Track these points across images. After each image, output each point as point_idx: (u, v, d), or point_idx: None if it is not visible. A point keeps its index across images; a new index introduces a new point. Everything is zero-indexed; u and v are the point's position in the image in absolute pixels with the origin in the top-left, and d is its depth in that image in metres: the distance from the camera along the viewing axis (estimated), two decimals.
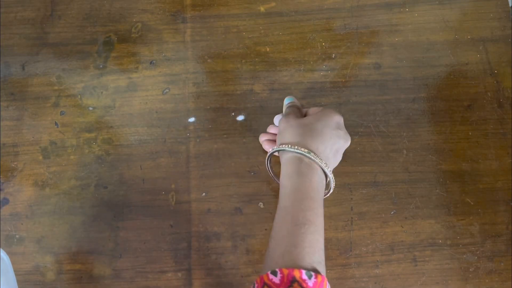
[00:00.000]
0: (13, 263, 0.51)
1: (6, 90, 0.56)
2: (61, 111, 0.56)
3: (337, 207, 0.53)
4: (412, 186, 0.53)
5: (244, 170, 0.54)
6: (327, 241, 0.52)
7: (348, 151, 0.54)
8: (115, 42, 0.58)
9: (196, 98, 0.56)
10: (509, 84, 0.56)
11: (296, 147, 0.42)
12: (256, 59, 0.57)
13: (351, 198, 0.53)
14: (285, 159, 0.44)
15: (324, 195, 0.45)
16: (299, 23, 0.58)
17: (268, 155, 0.46)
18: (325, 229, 0.52)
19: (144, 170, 0.54)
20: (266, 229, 0.52)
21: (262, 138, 0.51)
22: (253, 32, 0.58)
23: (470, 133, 0.55)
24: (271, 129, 0.52)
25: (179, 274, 0.51)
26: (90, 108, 0.56)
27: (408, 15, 0.59)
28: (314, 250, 0.38)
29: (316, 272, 0.37)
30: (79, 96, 0.56)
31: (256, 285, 0.37)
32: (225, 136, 0.55)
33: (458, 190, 0.53)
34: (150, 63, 0.57)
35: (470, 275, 0.51)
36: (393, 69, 0.57)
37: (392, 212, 0.53)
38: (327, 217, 0.53)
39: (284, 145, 0.43)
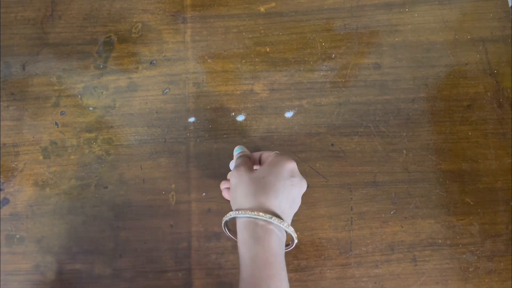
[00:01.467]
0: (13, 263, 0.51)
1: (6, 90, 0.56)
2: (61, 111, 0.56)
3: (337, 207, 0.53)
4: (412, 186, 0.53)
5: None
6: (327, 241, 0.52)
7: (348, 151, 0.54)
8: (115, 42, 0.58)
9: (196, 98, 0.56)
10: (509, 84, 0.56)
11: (249, 212, 0.40)
12: (256, 59, 0.57)
13: (351, 198, 0.53)
14: (239, 224, 0.42)
15: (287, 249, 0.43)
16: (299, 23, 0.58)
17: (223, 222, 0.44)
18: (325, 229, 0.52)
19: (144, 170, 0.54)
20: None
21: (223, 186, 0.49)
22: (253, 32, 0.58)
23: (470, 133, 0.55)
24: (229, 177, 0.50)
25: (179, 274, 0.51)
26: (91, 108, 0.56)
27: (408, 15, 0.59)
28: None
29: None
30: (79, 96, 0.56)
31: None
32: (225, 136, 0.55)
33: (458, 190, 0.53)
34: (150, 63, 0.57)
35: (470, 275, 0.51)
36: (393, 69, 0.57)
37: (392, 212, 0.53)
38: (327, 217, 0.53)
39: (237, 212, 0.41)
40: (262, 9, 0.59)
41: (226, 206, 0.53)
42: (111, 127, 0.55)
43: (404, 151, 0.54)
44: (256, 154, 0.48)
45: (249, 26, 0.58)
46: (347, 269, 0.51)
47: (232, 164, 0.50)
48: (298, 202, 0.44)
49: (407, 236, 0.52)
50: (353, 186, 0.53)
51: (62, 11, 0.59)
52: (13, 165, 0.54)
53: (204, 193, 0.53)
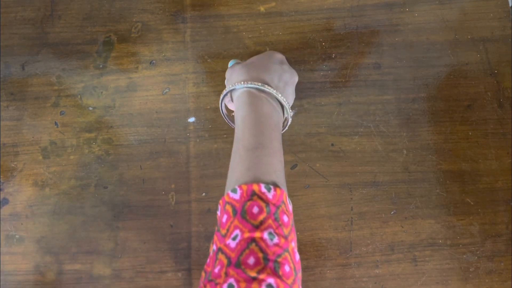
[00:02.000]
0: (13, 263, 0.51)
1: (6, 90, 0.56)
2: (61, 111, 0.56)
3: (337, 207, 0.53)
4: (412, 186, 0.53)
5: None
6: (327, 241, 0.52)
7: (348, 151, 0.54)
8: (115, 42, 0.58)
9: (196, 98, 0.56)
10: (509, 84, 0.56)
11: (243, 82, 0.42)
12: None
13: (351, 198, 0.53)
14: (236, 98, 0.44)
15: (283, 126, 0.45)
16: (299, 23, 0.58)
17: (220, 99, 0.46)
18: (325, 229, 0.52)
19: (144, 170, 0.54)
20: None
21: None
22: (253, 32, 0.58)
23: (470, 133, 0.55)
24: None
25: (179, 274, 0.51)
26: (90, 108, 0.56)
27: (408, 15, 0.59)
28: (270, 171, 0.38)
29: (275, 185, 0.36)
30: (79, 96, 0.56)
31: (219, 208, 0.37)
32: (225, 136, 0.55)
33: (458, 190, 0.53)
34: (150, 63, 0.57)
35: (470, 275, 0.51)
36: (393, 69, 0.57)
37: (392, 212, 0.53)
38: (327, 217, 0.53)
39: (231, 85, 0.43)
40: (262, 9, 0.59)
41: None
42: (111, 127, 0.55)
43: (404, 151, 0.54)
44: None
45: (249, 26, 0.58)
46: (347, 269, 0.51)
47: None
48: (292, 92, 0.47)
49: (407, 236, 0.52)
50: (353, 186, 0.53)
51: (62, 11, 0.59)
52: (13, 165, 0.54)
53: (204, 193, 0.53)
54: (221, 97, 0.46)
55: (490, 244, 0.52)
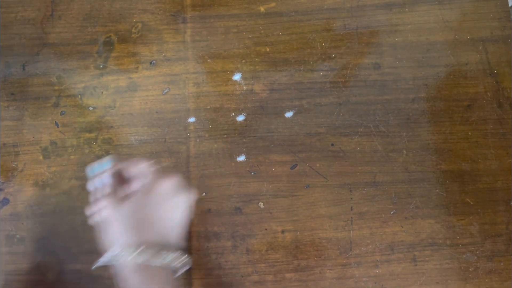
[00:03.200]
0: (13, 263, 0.51)
1: (6, 90, 0.56)
2: (61, 111, 0.56)
3: (337, 207, 0.53)
4: (412, 186, 0.53)
5: (244, 170, 0.54)
6: (327, 241, 0.52)
7: (348, 151, 0.54)
8: (115, 42, 0.58)
9: (196, 98, 0.56)
10: (509, 84, 0.56)
11: (130, 248, 0.37)
12: (256, 59, 0.57)
13: (351, 198, 0.53)
14: (124, 267, 0.38)
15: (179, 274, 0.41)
16: (299, 23, 0.58)
17: (99, 264, 0.39)
18: (325, 229, 0.52)
19: None
20: (266, 229, 0.52)
21: (88, 212, 0.44)
22: (253, 32, 0.58)
23: (469, 133, 0.55)
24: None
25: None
26: (91, 108, 0.56)
27: (408, 15, 0.59)
28: None
29: None
30: (79, 96, 0.56)
31: None
32: (225, 136, 0.55)
33: (458, 190, 0.53)
34: (150, 63, 0.57)
35: (470, 275, 0.51)
36: (393, 69, 0.57)
37: (392, 212, 0.53)
38: (327, 217, 0.53)
39: (117, 251, 0.37)
40: (262, 9, 0.59)
41: (226, 206, 0.53)
42: (111, 127, 0.55)
43: (404, 151, 0.54)
44: (126, 167, 0.43)
45: (249, 26, 0.58)
46: (347, 269, 0.51)
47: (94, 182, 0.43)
48: (185, 219, 0.42)
49: (407, 236, 0.52)
50: (353, 186, 0.53)
51: (62, 11, 0.59)
52: (13, 165, 0.54)
53: (204, 193, 0.53)
54: (99, 263, 0.39)
55: (490, 244, 0.52)
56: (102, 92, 0.56)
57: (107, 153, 0.54)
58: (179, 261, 0.40)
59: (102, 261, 0.39)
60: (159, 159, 0.54)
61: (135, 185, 0.42)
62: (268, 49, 0.58)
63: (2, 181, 0.54)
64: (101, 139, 0.55)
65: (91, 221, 0.42)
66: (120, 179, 0.43)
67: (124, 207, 0.39)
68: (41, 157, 0.54)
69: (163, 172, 0.42)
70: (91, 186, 0.43)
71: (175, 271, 0.41)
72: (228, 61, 0.57)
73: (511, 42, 0.58)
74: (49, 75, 0.57)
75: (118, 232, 0.39)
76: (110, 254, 0.38)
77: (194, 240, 0.52)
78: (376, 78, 0.57)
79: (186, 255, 0.40)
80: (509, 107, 0.56)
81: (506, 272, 0.51)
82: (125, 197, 0.40)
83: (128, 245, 0.37)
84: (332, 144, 0.55)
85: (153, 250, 0.38)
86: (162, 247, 0.38)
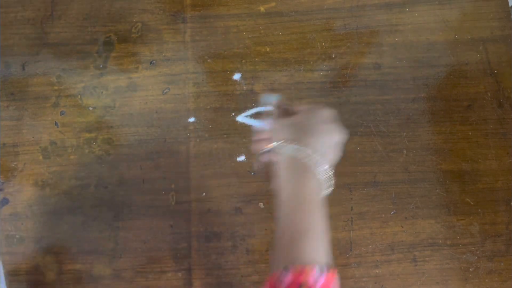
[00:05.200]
0: (13, 263, 0.51)
1: (6, 90, 0.56)
2: (61, 111, 0.56)
3: (337, 207, 0.53)
4: (412, 186, 0.53)
5: (244, 170, 0.54)
6: None
7: (348, 151, 0.54)
8: (115, 42, 0.58)
9: (196, 98, 0.56)
10: (509, 84, 0.56)
11: (292, 144, 0.41)
12: (256, 59, 0.57)
13: (351, 198, 0.53)
14: (281, 159, 0.43)
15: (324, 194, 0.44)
16: (299, 23, 0.58)
17: (264, 151, 0.44)
18: None
19: (144, 170, 0.54)
20: (266, 229, 0.52)
21: (254, 139, 0.49)
22: (253, 32, 0.58)
23: (470, 133, 0.55)
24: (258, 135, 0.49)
25: (179, 274, 0.51)
26: (90, 108, 0.56)
27: (408, 15, 0.59)
28: (321, 256, 0.38)
29: (328, 267, 0.37)
30: (79, 96, 0.56)
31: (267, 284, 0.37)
32: (225, 136, 0.55)
33: (458, 190, 0.53)
34: (150, 63, 0.57)
35: (470, 275, 0.51)
36: (393, 69, 0.57)
37: (392, 212, 0.53)
38: (327, 217, 0.52)
39: (281, 142, 0.42)
40: (262, 9, 0.59)
41: (226, 206, 0.53)
42: (111, 127, 0.55)
43: (404, 151, 0.54)
44: (291, 108, 0.48)
45: (249, 26, 0.58)
46: (347, 269, 0.51)
47: (258, 123, 0.49)
48: (339, 149, 0.45)
49: (407, 236, 0.52)
50: (353, 186, 0.53)
51: (62, 11, 0.59)
52: (13, 165, 0.54)
53: (204, 193, 0.53)
54: (265, 150, 0.44)
55: (490, 244, 0.52)
56: (102, 92, 0.56)
57: (107, 153, 0.54)
58: (328, 179, 0.43)
59: (267, 148, 0.43)
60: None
61: (299, 112, 0.46)
62: (268, 49, 0.58)
63: (2, 181, 0.54)
64: (101, 139, 0.55)
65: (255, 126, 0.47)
66: (283, 111, 0.47)
67: (293, 117, 0.44)
68: (41, 157, 0.54)
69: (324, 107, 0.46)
70: (264, 108, 0.49)
71: (322, 185, 0.43)
72: (228, 61, 0.57)
73: (511, 42, 0.58)
74: (49, 75, 0.57)
75: (284, 132, 0.43)
76: (275, 144, 0.42)
77: (194, 240, 0.52)
78: (376, 78, 0.56)
79: (333, 180, 0.43)
80: (509, 107, 0.56)
81: (506, 272, 0.51)
82: (295, 114, 0.45)
83: (293, 141, 0.41)
84: None
85: (313, 154, 0.41)
86: (321, 157, 0.41)
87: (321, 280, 0.35)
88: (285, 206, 0.41)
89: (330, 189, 0.44)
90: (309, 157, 0.41)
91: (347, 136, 0.45)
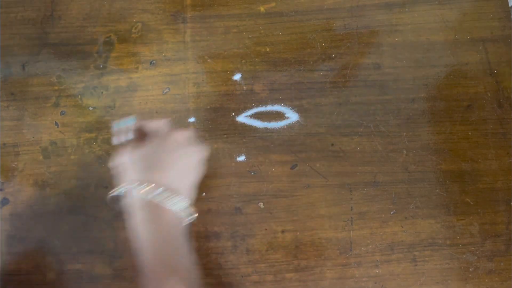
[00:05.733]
0: (13, 263, 0.51)
1: (6, 90, 0.56)
2: (61, 111, 0.56)
3: (337, 207, 0.53)
4: (412, 186, 0.53)
5: (244, 170, 0.54)
6: (327, 241, 0.52)
7: (348, 151, 0.54)
8: (115, 42, 0.58)
9: (196, 98, 0.56)
10: (509, 84, 0.56)
11: (142, 184, 0.39)
12: (256, 59, 0.57)
13: (351, 198, 0.53)
14: (132, 203, 0.41)
15: (186, 222, 0.43)
16: (299, 23, 0.58)
17: (112, 195, 0.43)
18: (325, 229, 0.52)
19: None
20: (266, 229, 0.52)
21: (111, 164, 0.46)
22: (253, 32, 0.58)
23: (470, 133, 0.55)
24: None
25: None
26: (90, 108, 0.56)
27: (408, 15, 0.59)
28: None
29: None
30: (79, 96, 0.56)
31: None
32: (225, 136, 0.55)
33: (458, 190, 0.53)
34: (150, 63, 0.57)
35: (470, 275, 0.51)
36: (393, 69, 0.57)
37: (392, 212, 0.53)
38: (327, 217, 0.53)
39: (129, 184, 0.40)
40: (262, 9, 0.59)
41: (226, 206, 0.53)
42: (111, 127, 0.55)
43: (404, 151, 0.54)
44: (146, 124, 0.47)
45: (249, 26, 0.58)
46: (347, 269, 0.51)
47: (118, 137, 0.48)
48: (196, 171, 0.44)
49: (407, 236, 0.52)
50: (353, 186, 0.53)
51: (62, 11, 0.59)
52: (13, 165, 0.54)
53: (204, 193, 0.53)
54: (113, 193, 0.42)
55: (490, 244, 0.52)
56: (102, 92, 0.56)
57: (107, 153, 0.54)
58: (186, 210, 0.42)
59: (115, 191, 0.42)
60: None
61: (153, 137, 0.45)
62: (268, 49, 0.58)
63: (2, 181, 0.54)
64: (101, 139, 0.55)
65: (111, 166, 0.45)
66: (141, 134, 0.46)
67: (141, 150, 0.42)
68: (41, 157, 0.54)
69: (178, 127, 0.45)
70: (115, 140, 0.47)
71: (181, 219, 0.42)
72: (228, 61, 0.57)
73: (511, 42, 0.58)
74: (49, 75, 0.57)
75: (133, 170, 0.41)
76: (123, 187, 0.41)
77: (194, 240, 0.52)
78: (376, 78, 0.56)
79: (192, 208, 0.42)
80: (509, 107, 0.56)
81: (506, 272, 0.51)
82: (144, 145, 0.43)
83: (141, 182, 0.40)
84: (332, 144, 0.55)
85: (164, 191, 0.40)
86: (172, 192, 0.40)
87: None
88: (146, 253, 0.39)
89: (193, 216, 0.43)
90: (160, 195, 0.39)
91: (206, 152, 0.44)
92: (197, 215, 0.42)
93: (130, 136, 0.46)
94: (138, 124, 0.46)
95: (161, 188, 0.39)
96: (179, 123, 0.55)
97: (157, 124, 0.46)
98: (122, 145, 0.45)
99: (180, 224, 0.41)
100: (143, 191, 0.39)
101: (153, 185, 0.39)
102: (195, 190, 0.44)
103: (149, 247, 0.39)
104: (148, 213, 0.40)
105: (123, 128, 0.46)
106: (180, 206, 0.41)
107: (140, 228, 0.40)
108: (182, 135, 0.43)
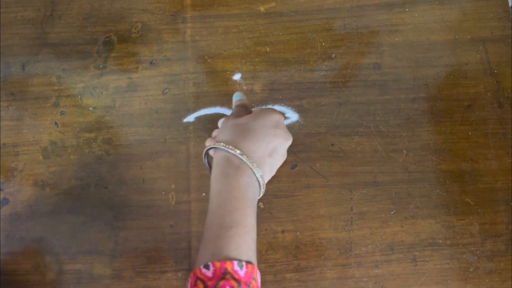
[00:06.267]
0: (13, 263, 0.51)
1: (6, 90, 0.56)
2: (61, 111, 0.56)
3: (337, 207, 0.53)
4: (412, 186, 0.53)
5: None
6: (327, 241, 0.52)
7: (348, 151, 0.54)
8: (115, 42, 0.58)
9: (196, 98, 0.56)
10: (509, 84, 0.56)
11: (225, 145, 0.41)
12: (256, 59, 0.57)
13: (351, 198, 0.53)
14: (215, 159, 0.43)
15: (258, 196, 0.44)
16: (299, 23, 0.58)
17: (204, 151, 0.45)
18: (325, 229, 0.52)
19: (144, 170, 0.54)
20: (266, 229, 0.52)
21: (214, 134, 0.51)
22: (253, 32, 0.58)
23: (470, 133, 0.55)
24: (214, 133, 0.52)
25: (179, 274, 0.51)
26: (90, 108, 0.56)
27: (408, 15, 0.59)
28: (244, 250, 0.38)
29: (248, 262, 0.37)
30: (79, 96, 0.56)
31: (190, 280, 0.37)
32: None
33: (458, 190, 0.53)
34: (150, 63, 0.57)
35: (470, 275, 0.51)
36: (393, 69, 0.57)
37: (392, 212, 0.53)
38: (327, 217, 0.53)
39: (216, 144, 0.43)
40: (262, 9, 0.59)
41: None
42: (111, 127, 0.55)
43: (404, 151, 0.54)
44: (249, 106, 0.49)
45: (249, 26, 0.58)
46: (347, 269, 0.51)
47: (220, 122, 0.51)
48: (282, 154, 0.45)
49: (407, 236, 0.52)
50: (353, 186, 0.53)
51: (62, 11, 0.59)
52: (13, 165, 0.54)
53: (204, 193, 0.53)
54: (204, 150, 0.45)
55: (490, 244, 0.52)
56: (102, 92, 0.56)
57: (107, 153, 0.54)
58: (260, 182, 0.43)
59: (208, 147, 0.44)
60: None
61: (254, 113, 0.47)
62: (268, 49, 0.58)
63: (2, 181, 0.54)
64: (101, 139, 0.55)
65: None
66: (243, 111, 0.48)
67: (239, 119, 0.44)
68: (41, 157, 0.54)
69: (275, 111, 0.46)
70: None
71: (253, 186, 0.43)
72: (228, 61, 0.57)
73: (511, 42, 0.58)
74: (49, 75, 0.57)
75: (226, 133, 0.43)
76: (215, 145, 0.42)
77: (194, 240, 0.52)
78: (376, 78, 0.56)
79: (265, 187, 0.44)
80: (509, 107, 0.56)
81: (506, 272, 0.51)
82: (244, 116, 0.46)
83: (229, 142, 0.42)
84: (332, 144, 0.55)
85: (246, 157, 0.41)
86: (254, 162, 0.42)
87: (240, 274, 0.36)
88: (213, 202, 0.42)
89: (262, 193, 0.44)
90: (242, 159, 0.41)
91: (290, 141, 0.45)
92: (263, 190, 0.44)
93: (235, 107, 0.49)
94: (242, 101, 0.49)
95: (245, 155, 0.41)
96: (179, 123, 0.55)
97: (255, 108, 0.48)
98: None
99: (251, 190, 0.42)
100: (230, 151, 0.41)
101: (241, 150, 0.41)
102: (270, 174, 0.45)
103: (217, 197, 0.41)
104: (227, 169, 0.41)
105: (234, 99, 0.50)
106: (256, 176, 0.42)
107: (214, 179, 0.42)
108: (277, 118, 0.45)
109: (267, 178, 0.44)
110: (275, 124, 0.44)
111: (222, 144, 0.41)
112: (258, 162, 0.42)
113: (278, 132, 0.43)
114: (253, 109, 0.48)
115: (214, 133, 0.51)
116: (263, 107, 0.48)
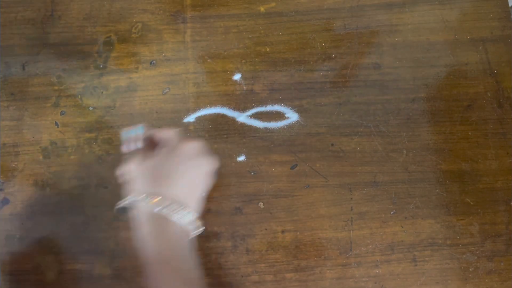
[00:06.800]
0: (13, 263, 0.51)
1: (6, 90, 0.56)
2: (61, 111, 0.56)
3: (337, 207, 0.53)
4: (412, 186, 0.53)
5: (244, 170, 0.54)
6: (327, 241, 0.52)
7: (348, 151, 0.54)
8: (115, 42, 0.58)
9: (196, 98, 0.56)
10: (509, 84, 0.56)
11: (150, 197, 0.38)
12: (256, 59, 0.57)
13: (351, 198, 0.53)
14: (139, 214, 0.40)
15: (194, 234, 0.42)
16: (299, 23, 0.58)
17: (119, 206, 0.42)
18: (325, 229, 0.52)
19: None
20: (266, 229, 0.52)
21: (119, 172, 0.46)
22: (253, 32, 0.58)
23: (470, 133, 0.55)
24: None
25: None
26: (91, 108, 0.56)
27: (408, 15, 0.59)
28: None
29: None
30: (79, 96, 0.56)
31: None
32: (225, 136, 0.55)
33: (458, 190, 0.53)
34: (150, 63, 0.57)
35: (470, 275, 0.51)
36: (393, 69, 0.57)
37: (392, 212, 0.53)
38: (327, 217, 0.53)
39: (137, 196, 0.39)
40: (262, 9, 0.59)
41: (226, 206, 0.53)
42: (111, 127, 0.55)
43: (404, 151, 0.54)
44: (156, 133, 0.47)
45: (249, 26, 0.58)
46: (347, 269, 0.51)
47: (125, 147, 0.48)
48: (205, 183, 0.43)
49: (407, 236, 0.52)
50: (353, 186, 0.53)
51: (62, 11, 0.59)
52: (13, 165, 0.54)
53: (204, 193, 0.53)
54: (120, 204, 0.42)
55: (490, 244, 0.52)
56: (102, 92, 0.56)
57: (107, 153, 0.54)
58: (193, 223, 0.41)
59: (122, 203, 0.41)
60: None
61: (162, 147, 0.44)
62: (268, 49, 0.58)
63: (2, 181, 0.54)
64: (101, 139, 0.55)
65: (120, 177, 0.45)
66: (150, 143, 0.46)
67: (149, 160, 0.42)
68: (41, 157, 0.54)
69: (188, 138, 0.44)
70: (124, 148, 0.46)
71: (187, 232, 0.42)
72: (228, 61, 0.57)
73: (511, 42, 0.58)
74: (49, 75, 0.57)
75: (140, 181, 0.41)
76: (131, 198, 0.40)
77: (194, 240, 0.52)
78: (376, 78, 0.56)
79: (200, 222, 0.42)
80: (509, 107, 0.56)
81: (506, 272, 0.51)
82: (152, 155, 0.43)
83: (148, 194, 0.39)
84: (332, 144, 0.55)
85: (171, 204, 0.39)
86: (180, 204, 0.40)
87: None
88: (151, 267, 0.39)
89: (200, 229, 0.42)
90: (167, 208, 0.39)
91: (217, 164, 0.44)
92: (204, 228, 0.41)
93: (139, 145, 0.45)
94: (147, 133, 0.46)
95: (168, 201, 0.39)
96: (179, 123, 0.55)
97: (166, 134, 0.45)
98: (130, 154, 0.45)
99: (186, 238, 0.41)
100: (150, 203, 0.39)
101: (160, 197, 0.39)
102: (203, 203, 0.43)
103: (155, 260, 0.39)
104: (155, 226, 0.39)
105: (132, 136, 0.46)
106: (187, 219, 0.41)
107: (146, 241, 0.40)
108: (192, 147, 0.43)
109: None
110: (193, 153, 0.42)
111: (141, 197, 0.39)
112: (186, 204, 0.40)
113: (199, 162, 0.41)
114: (161, 137, 0.45)
115: (121, 171, 0.46)
116: (169, 131, 0.45)
